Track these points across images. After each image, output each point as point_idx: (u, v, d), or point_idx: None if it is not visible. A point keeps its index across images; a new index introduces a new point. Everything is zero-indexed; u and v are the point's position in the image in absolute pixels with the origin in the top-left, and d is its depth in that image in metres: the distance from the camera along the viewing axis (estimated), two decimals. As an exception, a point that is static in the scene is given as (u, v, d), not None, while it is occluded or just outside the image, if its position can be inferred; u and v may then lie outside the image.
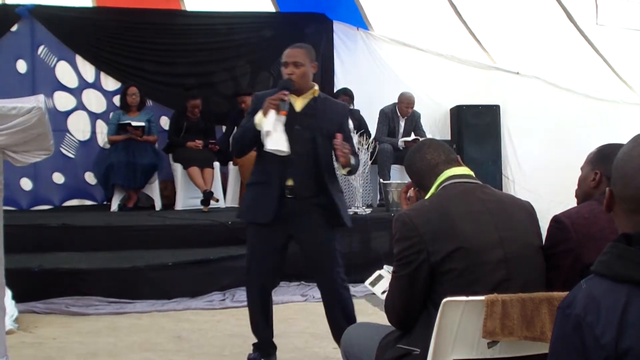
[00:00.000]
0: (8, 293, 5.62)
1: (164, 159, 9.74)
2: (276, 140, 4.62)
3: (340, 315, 4.98)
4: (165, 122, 10.19)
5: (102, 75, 10.18)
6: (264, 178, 4.86)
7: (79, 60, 10.04)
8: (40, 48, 9.92)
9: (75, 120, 10.01)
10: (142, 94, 9.74)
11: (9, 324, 5.58)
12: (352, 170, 4.95)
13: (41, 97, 4.47)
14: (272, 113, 4.61)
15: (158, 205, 9.58)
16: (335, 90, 10.30)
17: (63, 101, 9.95)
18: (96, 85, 10.13)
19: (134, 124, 9.41)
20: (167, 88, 10.37)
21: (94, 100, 10.12)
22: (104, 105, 10.14)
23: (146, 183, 9.52)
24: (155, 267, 7.08)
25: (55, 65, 9.94)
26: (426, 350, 2.81)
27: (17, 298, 6.20)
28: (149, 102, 10.12)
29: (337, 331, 4.78)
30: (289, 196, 4.77)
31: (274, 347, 5.19)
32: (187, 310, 6.73)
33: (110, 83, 10.20)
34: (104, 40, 10.11)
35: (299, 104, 4.85)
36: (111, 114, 9.80)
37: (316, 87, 4.93)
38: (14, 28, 9.82)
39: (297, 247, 5.06)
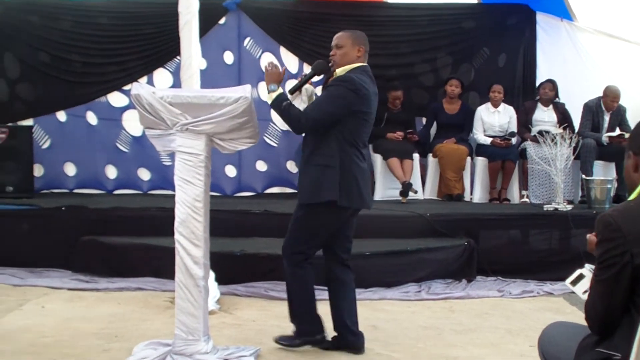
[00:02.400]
0: (212, 275, 5.85)
1: (364, 149, 9.83)
2: None
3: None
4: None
5: (305, 67, 10.34)
6: None
7: (283, 51, 10.25)
8: (246, 40, 10.22)
9: (280, 111, 10.25)
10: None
11: (211, 304, 5.81)
12: (277, 110, 4.99)
13: (248, 87, 4.62)
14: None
15: (357, 195, 9.67)
16: (537, 83, 10.08)
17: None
18: (299, 75, 10.31)
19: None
20: (370, 79, 10.44)
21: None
22: (311, 95, 10.34)
23: (346, 173, 9.64)
24: (353, 256, 7.11)
25: (260, 57, 10.20)
26: (627, 356, 2.70)
27: (220, 280, 6.45)
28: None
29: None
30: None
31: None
32: (383, 300, 6.78)
33: (313, 75, 10.37)
34: (306, 32, 10.27)
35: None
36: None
37: (346, 67, 5.08)
38: (222, 21, 10.16)
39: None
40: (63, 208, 8.12)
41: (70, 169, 10.10)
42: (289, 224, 5.21)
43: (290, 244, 5.16)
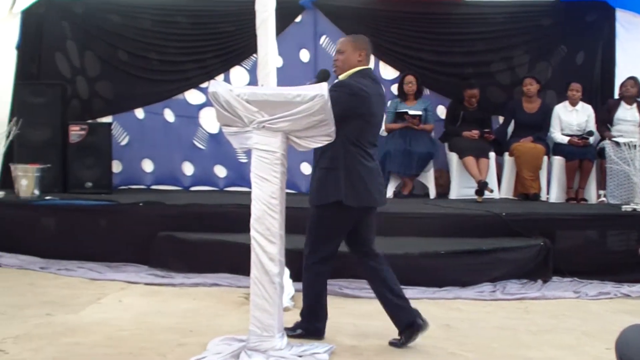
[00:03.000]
0: (287, 272, 5.88)
1: (439, 147, 9.79)
2: None
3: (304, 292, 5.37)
4: (442, 111, 10.20)
5: (381, 64, 10.33)
6: None
7: (359, 49, 10.26)
8: (322, 38, 10.24)
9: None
10: (419, 83, 9.83)
11: (286, 301, 5.83)
12: None
13: (324, 86, 4.62)
14: None
15: (432, 193, 9.64)
16: (616, 81, 9.90)
17: (342, 89, 10.22)
18: (375, 73, 10.30)
19: (411, 112, 9.53)
20: (444, 77, 10.36)
21: (374, 89, 10.32)
22: (383, 93, 10.31)
23: (421, 171, 9.61)
24: (429, 254, 7.12)
25: (336, 55, 10.23)
26: None
27: (295, 277, 6.45)
28: (426, 91, 10.17)
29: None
30: None
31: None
32: (457, 299, 6.73)
33: (388, 72, 10.34)
34: (383, 30, 10.24)
35: None
36: (389, 102, 9.94)
37: (347, 72, 5.24)
38: (298, 19, 10.20)
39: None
40: (140, 204, 8.24)
41: (147, 166, 10.26)
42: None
43: (307, 245, 5.32)
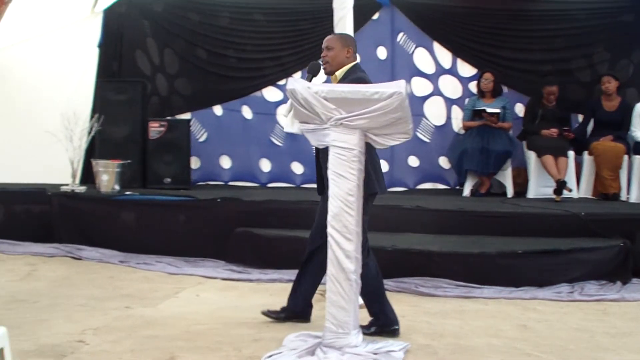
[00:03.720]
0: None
1: (517, 146, 9.67)
2: (287, 124, 5.45)
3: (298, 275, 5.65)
4: (520, 109, 10.08)
5: (459, 62, 10.26)
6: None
7: (437, 46, 10.21)
8: (400, 35, 10.22)
9: (432, 106, 10.21)
10: (497, 80, 9.74)
11: (361, 299, 5.83)
12: None
13: (402, 83, 4.60)
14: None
15: (510, 192, 9.54)
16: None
17: (420, 87, 10.18)
18: (452, 71, 10.25)
19: (489, 110, 9.45)
20: (523, 75, 10.24)
21: (450, 86, 10.25)
22: (460, 91, 10.24)
23: (499, 169, 9.52)
24: (505, 254, 7.05)
25: (413, 52, 10.19)
26: None
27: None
28: (505, 89, 10.07)
29: None
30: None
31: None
32: (534, 299, 6.64)
33: (466, 69, 10.27)
34: (461, 27, 10.17)
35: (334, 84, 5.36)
36: (466, 100, 9.89)
37: (343, 69, 5.43)
38: (375, 16, 10.19)
39: None
40: (218, 200, 8.34)
41: (225, 162, 10.37)
42: (316, 216, 5.46)
43: (319, 238, 5.28)
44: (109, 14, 10.39)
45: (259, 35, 10.29)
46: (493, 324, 5.77)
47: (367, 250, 5.28)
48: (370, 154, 5.14)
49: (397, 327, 5.39)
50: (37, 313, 5.91)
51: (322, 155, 5.23)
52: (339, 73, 5.46)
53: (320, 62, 5.57)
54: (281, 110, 5.29)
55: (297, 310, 5.68)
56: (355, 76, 5.32)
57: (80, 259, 8.15)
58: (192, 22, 10.29)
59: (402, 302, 6.38)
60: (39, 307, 6.17)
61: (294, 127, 5.40)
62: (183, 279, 7.27)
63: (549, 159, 9.16)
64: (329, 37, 5.59)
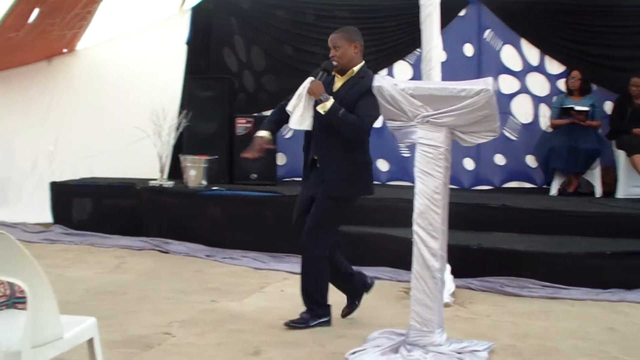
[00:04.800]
0: (447, 268, 5.85)
1: (606, 145, 9.48)
2: (295, 120, 5.42)
3: (305, 278, 5.56)
4: (609, 107, 9.87)
5: (547, 59, 10.11)
6: (304, 147, 5.61)
7: (524, 43, 10.07)
8: (487, 32, 10.11)
9: (519, 103, 10.08)
10: (586, 78, 9.56)
11: (446, 297, 5.81)
12: (334, 119, 5.26)
13: (489, 80, 4.57)
14: (302, 95, 5.39)
15: (598, 192, 9.36)
16: None
17: (507, 84, 10.06)
18: (540, 68, 10.09)
19: (577, 108, 9.28)
20: (612, 72, 10.00)
21: (538, 84, 10.10)
22: (548, 88, 10.08)
23: (587, 169, 9.35)
24: (593, 255, 6.92)
25: (500, 49, 10.07)
26: None
27: (455, 273, 6.44)
28: (594, 86, 9.87)
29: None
30: (317, 165, 5.47)
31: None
32: (622, 302, 6.50)
33: (554, 67, 10.10)
34: (549, 23, 10.00)
35: (338, 84, 5.49)
36: (554, 98, 9.74)
37: (356, 67, 5.46)
38: (462, 13, 10.10)
39: None
40: (304, 196, 8.38)
41: (313, 158, 10.40)
42: (314, 217, 5.46)
43: (321, 235, 5.45)
44: (197, 11, 10.54)
45: (344, 32, 10.30)
46: (579, 325, 5.69)
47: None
48: (371, 159, 5.51)
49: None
50: (125, 305, 6.05)
51: (315, 141, 5.44)
52: (357, 69, 5.48)
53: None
54: (288, 107, 5.26)
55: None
56: (368, 85, 5.20)
57: (167, 253, 8.30)
58: (278, 19, 10.35)
59: (486, 301, 6.35)
60: (127, 299, 6.31)
61: (303, 123, 5.44)
62: (268, 274, 7.34)
63: (639, 158, 8.97)
64: (333, 35, 5.55)
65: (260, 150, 5.62)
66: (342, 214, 5.53)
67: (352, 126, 5.30)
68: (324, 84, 5.39)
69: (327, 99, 5.27)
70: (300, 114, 5.40)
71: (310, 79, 5.42)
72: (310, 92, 5.36)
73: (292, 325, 5.46)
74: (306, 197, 5.55)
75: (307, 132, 5.53)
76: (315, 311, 5.55)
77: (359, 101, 5.30)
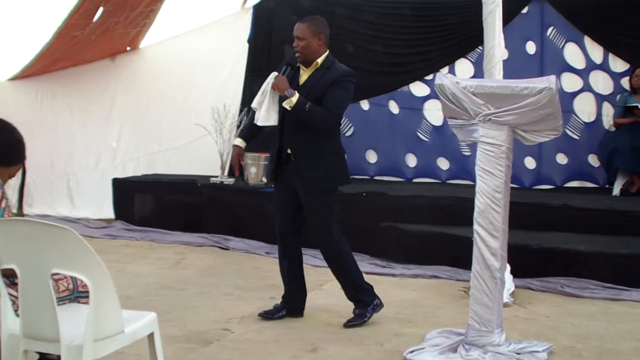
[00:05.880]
0: (507, 267, 5.80)
1: (672, 144, 9.32)
2: (262, 116, 5.38)
3: (337, 274, 5.67)
4: (674, 106, 9.71)
5: (611, 57, 9.95)
6: (273, 143, 5.58)
7: (587, 41, 9.93)
8: (549, 29, 9.98)
9: (582, 102, 9.94)
10: (650, 75, 9.41)
11: (505, 297, 5.77)
12: (301, 113, 5.27)
13: (552, 78, 4.52)
14: (266, 91, 5.38)
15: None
16: None
17: (570, 82, 9.93)
18: (604, 66, 9.94)
19: (641, 106, 9.16)
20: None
21: (601, 82, 9.95)
22: (611, 87, 9.92)
23: (651, 168, 9.22)
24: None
25: (563, 47, 9.95)
26: None
27: (515, 273, 6.39)
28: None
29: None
30: (292, 159, 5.46)
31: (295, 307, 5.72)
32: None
33: (618, 65, 9.93)
34: (613, 20, 9.84)
35: (303, 77, 5.50)
36: (618, 96, 9.59)
37: (320, 58, 5.47)
38: (525, 10, 9.99)
39: None
40: (364, 194, 8.39)
41: (371, 157, 10.39)
42: (313, 218, 5.57)
43: (328, 227, 5.53)
44: (258, 9, 10.59)
45: (405, 30, 10.25)
46: (641, 327, 5.61)
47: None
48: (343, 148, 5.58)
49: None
50: (185, 300, 6.12)
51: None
52: (321, 60, 5.50)
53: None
54: (253, 105, 5.29)
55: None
56: (340, 69, 5.50)
57: (227, 249, 8.37)
58: (339, 16, 10.34)
59: (546, 302, 6.30)
60: (187, 295, 6.38)
61: (270, 119, 5.42)
62: (327, 271, 7.29)
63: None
64: (298, 24, 5.53)
65: (237, 164, 5.82)
66: (332, 203, 5.55)
67: (320, 120, 5.34)
68: (288, 78, 5.40)
69: (292, 94, 5.27)
70: (265, 109, 5.39)
71: (274, 74, 5.44)
72: (275, 87, 5.35)
73: (350, 325, 5.48)
74: (286, 198, 5.61)
75: (277, 129, 5.53)
76: (364, 301, 5.58)
77: (326, 92, 5.34)
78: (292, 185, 5.51)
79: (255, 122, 5.46)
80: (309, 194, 5.46)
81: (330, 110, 5.33)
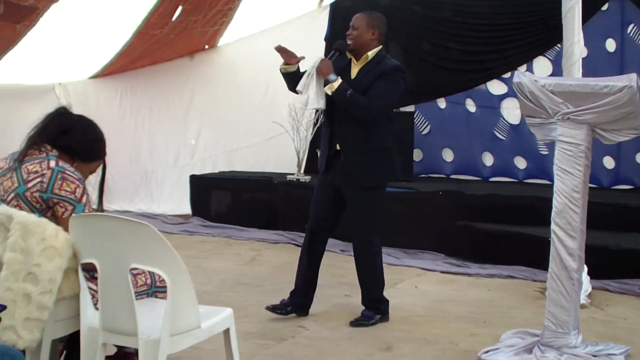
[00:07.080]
0: (584, 268, 5.72)
1: None
2: (311, 100, 5.33)
3: (362, 274, 5.57)
4: None
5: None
6: (324, 136, 5.57)
7: (669, 40, 9.75)
8: (630, 27, 9.78)
9: (662, 101, 9.75)
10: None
11: (582, 298, 5.69)
12: (341, 99, 5.23)
13: (633, 76, 4.44)
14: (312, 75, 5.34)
15: None
16: None
17: (651, 80, 9.74)
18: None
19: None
20: None
21: (684, 80, 9.75)
22: (694, 85, 9.71)
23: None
24: None
25: (645, 44, 9.78)
26: None
27: (592, 274, 6.30)
28: None
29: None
30: (341, 157, 5.41)
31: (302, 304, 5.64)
32: None
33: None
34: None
35: (354, 70, 5.44)
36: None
37: (371, 52, 5.39)
38: (604, 7, 9.81)
39: None
40: (440, 193, 8.36)
41: (448, 155, 10.35)
42: (354, 215, 5.50)
43: (374, 238, 5.50)
44: (335, 7, 10.62)
45: (482, 28, 10.16)
46: None
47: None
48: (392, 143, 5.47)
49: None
50: (260, 297, 6.16)
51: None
52: (371, 53, 5.43)
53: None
54: (298, 87, 5.25)
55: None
56: (390, 63, 5.39)
57: (302, 246, 8.40)
58: (416, 14, 10.31)
59: (624, 303, 6.20)
60: (263, 291, 6.44)
61: (320, 102, 5.37)
62: (402, 270, 7.35)
63: None
64: (356, 15, 5.49)
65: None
66: (377, 201, 5.49)
67: (358, 107, 5.28)
68: (338, 66, 5.37)
69: (334, 79, 5.25)
70: (314, 92, 5.36)
71: (319, 57, 5.43)
72: (319, 71, 5.33)
73: (358, 324, 5.47)
74: (328, 194, 5.58)
75: (328, 123, 5.54)
76: (379, 308, 5.57)
77: (373, 84, 5.29)
78: (337, 183, 5.50)
79: (300, 105, 5.50)
80: (353, 190, 5.43)
81: (370, 99, 5.27)
